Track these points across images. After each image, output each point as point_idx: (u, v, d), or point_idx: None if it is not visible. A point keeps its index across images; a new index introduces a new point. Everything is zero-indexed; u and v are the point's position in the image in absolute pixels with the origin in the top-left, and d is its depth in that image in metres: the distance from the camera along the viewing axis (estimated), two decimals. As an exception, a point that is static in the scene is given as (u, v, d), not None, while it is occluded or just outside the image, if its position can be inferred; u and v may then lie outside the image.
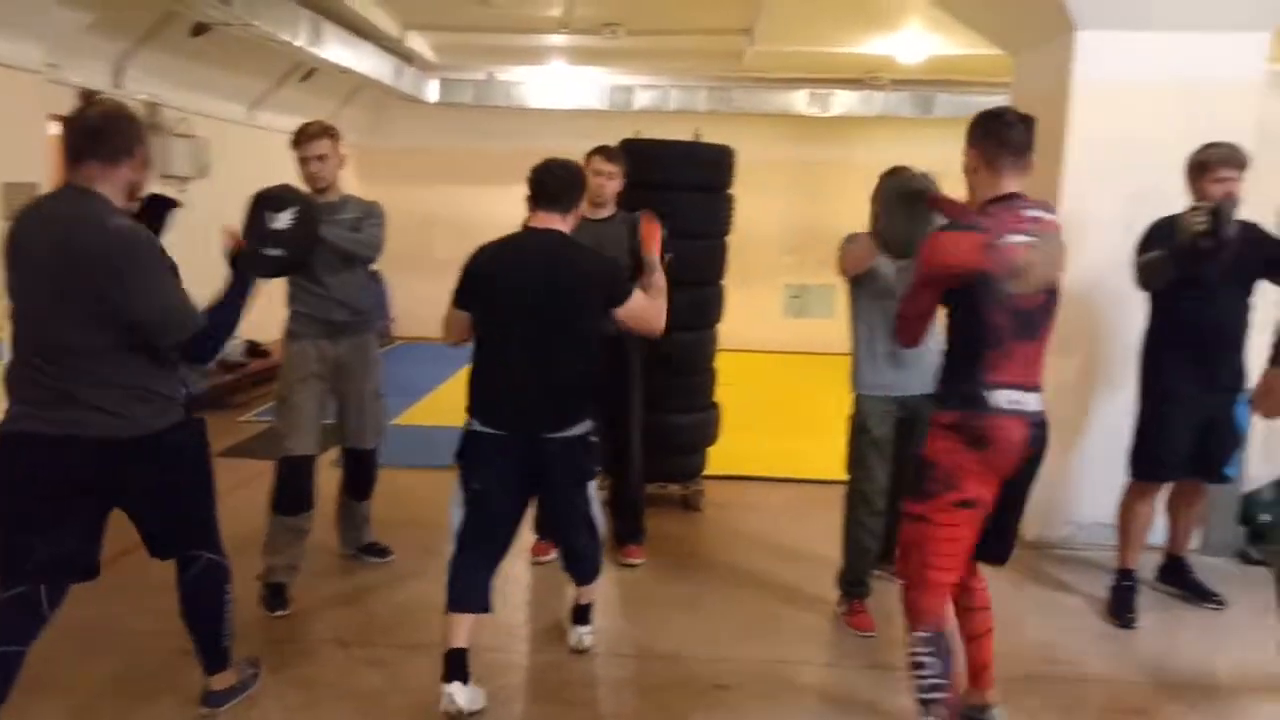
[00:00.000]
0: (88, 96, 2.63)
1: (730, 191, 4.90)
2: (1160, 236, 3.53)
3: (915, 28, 7.48)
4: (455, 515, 2.99)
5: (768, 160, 9.34)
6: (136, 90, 6.34)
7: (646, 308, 3.04)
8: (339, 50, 7.34)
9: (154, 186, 2.78)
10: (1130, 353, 3.83)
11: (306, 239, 3.14)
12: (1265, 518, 4.36)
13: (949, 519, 2.58)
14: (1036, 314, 2.54)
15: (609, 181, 3.93)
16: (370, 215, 3.72)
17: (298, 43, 6.63)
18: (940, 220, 2.91)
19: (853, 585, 3.66)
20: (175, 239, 2.71)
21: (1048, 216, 2.57)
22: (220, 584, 2.78)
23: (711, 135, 5.00)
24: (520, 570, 4.06)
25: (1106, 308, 4.16)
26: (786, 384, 8.77)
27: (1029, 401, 2.56)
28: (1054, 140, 4.22)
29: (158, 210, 2.72)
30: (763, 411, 7.18)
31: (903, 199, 3.13)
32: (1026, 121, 2.59)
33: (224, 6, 5.65)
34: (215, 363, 6.94)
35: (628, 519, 4.25)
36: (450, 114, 10.21)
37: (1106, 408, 4.25)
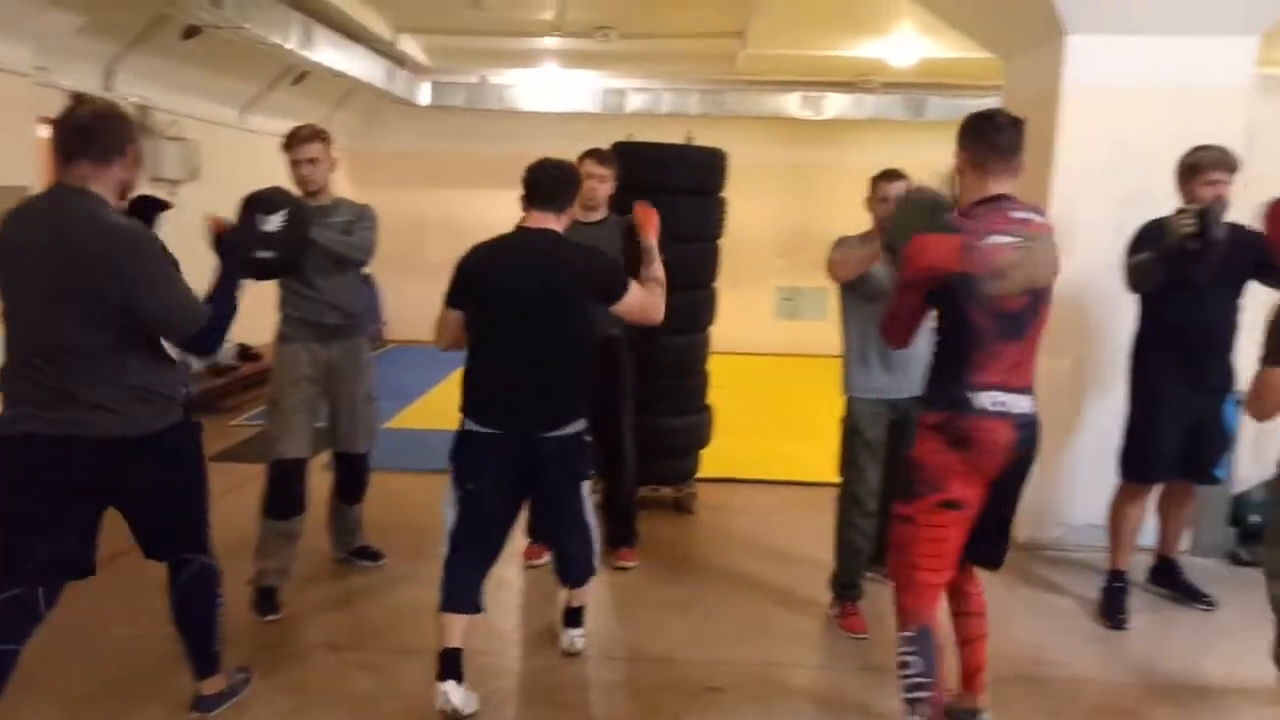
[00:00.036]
0: (78, 99, 2.61)
1: (722, 194, 4.91)
2: (1150, 239, 3.54)
3: (906, 31, 7.51)
4: (448, 516, 2.99)
5: (760, 163, 9.37)
6: (127, 93, 6.33)
7: (645, 300, 3.06)
8: (331, 53, 7.33)
9: (144, 189, 2.78)
10: (1120, 354, 3.85)
11: (297, 242, 3.14)
12: (1255, 519, 4.37)
13: (934, 520, 2.60)
14: (1022, 315, 2.53)
15: (601, 184, 3.93)
16: (362, 218, 3.72)
17: (289, 46, 6.63)
18: None
19: (845, 587, 3.66)
20: (166, 241, 2.70)
21: (1037, 219, 2.57)
22: (212, 588, 2.78)
23: (704, 138, 5.01)
24: (512, 574, 4.06)
25: (1097, 310, 4.18)
26: (779, 386, 8.78)
27: (1016, 403, 2.56)
28: (1044, 143, 4.24)
29: (148, 211, 2.72)
30: (755, 414, 7.18)
31: (919, 209, 3.12)
32: (1016, 124, 2.60)
33: (215, 9, 5.64)
34: (206, 364, 6.94)
35: (620, 522, 4.25)
36: (442, 117, 10.21)
37: (1097, 409, 4.27)
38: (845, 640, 3.55)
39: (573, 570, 3.21)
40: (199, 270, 2.66)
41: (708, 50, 8.42)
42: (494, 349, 2.95)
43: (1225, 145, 3.56)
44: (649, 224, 3.32)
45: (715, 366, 5.12)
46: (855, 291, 3.49)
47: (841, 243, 3.53)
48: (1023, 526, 4.30)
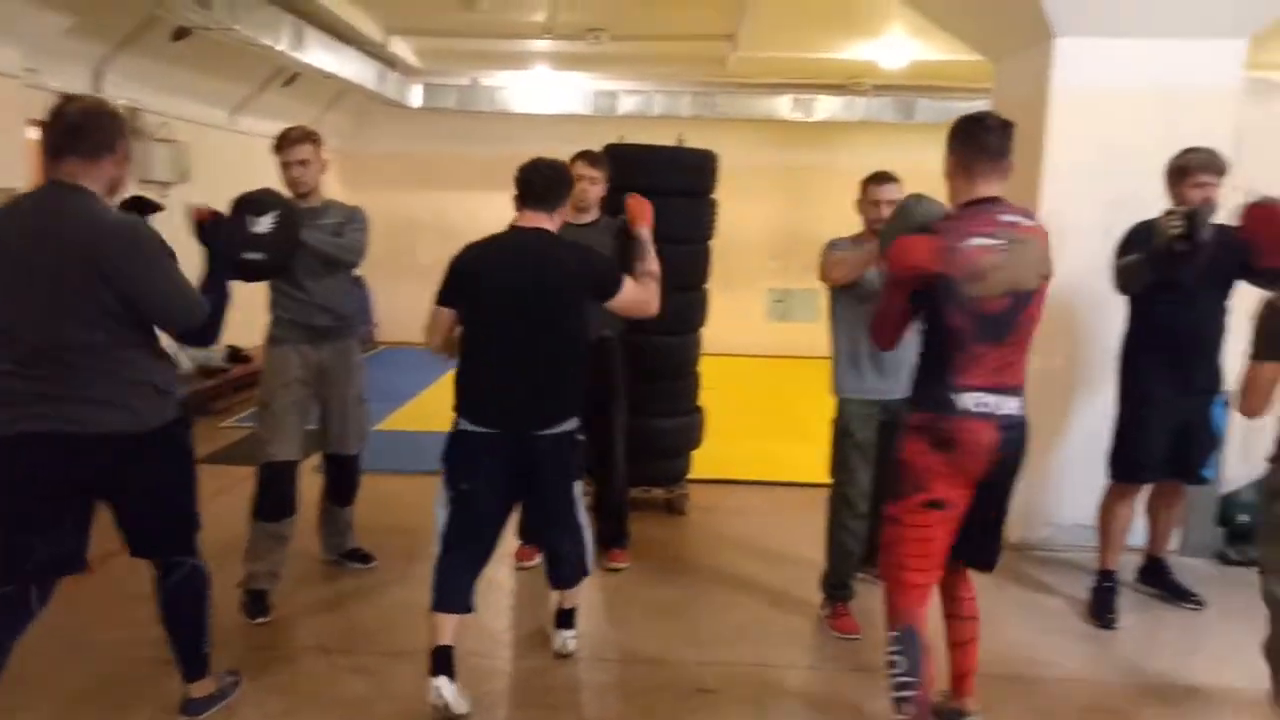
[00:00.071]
0: (67, 98, 2.61)
1: (713, 196, 4.92)
2: (1138, 240, 3.56)
3: (897, 34, 7.54)
4: (440, 516, 2.99)
5: (751, 165, 9.39)
6: (116, 95, 6.29)
7: (639, 294, 3.08)
8: (321, 55, 7.32)
9: (134, 191, 2.77)
10: (1109, 356, 3.87)
11: (288, 243, 3.13)
12: (1244, 519, 4.40)
13: (919, 520, 2.62)
14: (1004, 318, 2.53)
15: (592, 186, 3.94)
16: (353, 220, 3.71)
17: (279, 47, 6.61)
18: None
19: (836, 588, 3.67)
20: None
21: (1026, 222, 2.58)
22: (202, 590, 2.78)
23: (695, 140, 5.01)
24: (504, 576, 4.05)
25: (1086, 311, 4.20)
26: (770, 388, 8.79)
27: (1001, 405, 2.56)
28: (1033, 146, 4.26)
29: (138, 212, 2.71)
30: (747, 415, 7.20)
31: (913, 213, 3.12)
32: (1004, 126, 2.60)
33: (204, 11, 5.62)
34: (197, 365, 6.92)
35: (612, 523, 4.25)
36: (434, 119, 10.20)
37: (1086, 410, 4.29)
38: (837, 641, 3.56)
39: (565, 571, 3.21)
40: (189, 269, 2.65)
41: (699, 53, 8.43)
42: (488, 348, 2.96)
43: (1214, 148, 3.59)
44: (642, 215, 3.33)
45: (707, 368, 5.12)
46: (847, 293, 3.49)
47: (833, 245, 3.54)
48: (1013, 527, 4.29)
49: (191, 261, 2.67)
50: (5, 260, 2.43)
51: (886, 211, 3.34)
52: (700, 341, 5.01)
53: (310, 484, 3.95)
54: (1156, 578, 4.04)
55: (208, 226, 2.74)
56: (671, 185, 4.58)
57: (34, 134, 2.73)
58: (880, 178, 3.51)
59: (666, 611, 3.79)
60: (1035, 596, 4.02)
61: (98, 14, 5.80)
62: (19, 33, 5.29)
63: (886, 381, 3.45)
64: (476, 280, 2.95)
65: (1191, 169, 3.53)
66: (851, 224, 3.62)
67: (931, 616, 2.83)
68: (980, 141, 2.59)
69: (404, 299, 6.81)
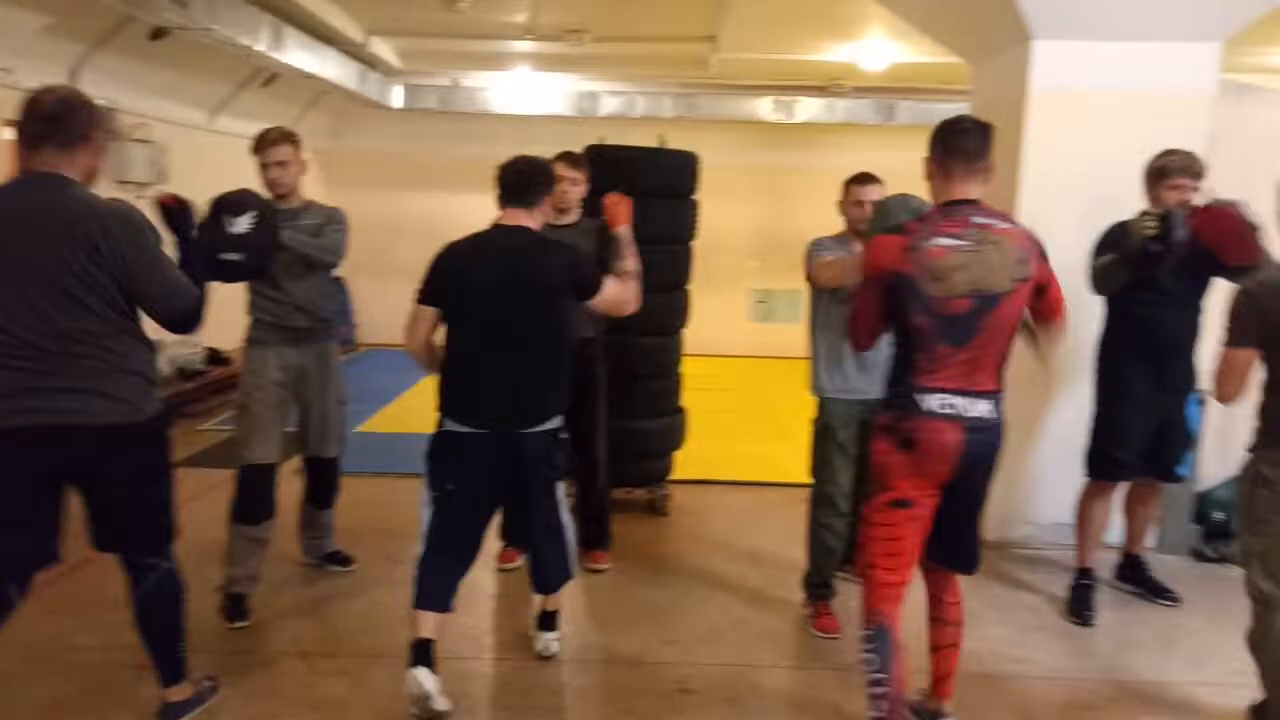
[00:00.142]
0: (45, 89, 2.60)
1: (695, 197, 4.93)
2: (1113, 241, 3.60)
3: (877, 36, 7.58)
4: (424, 516, 2.99)
5: (733, 166, 9.41)
6: (93, 95, 6.20)
7: (619, 293, 3.09)
8: (301, 55, 7.28)
9: (112, 192, 2.75)
10: (1086, 355, 3.90)
11: (266, 244, 3.11)
12: (1219, 516, 4.45)
13: (885, 519, 2.64)
14: (969, 319, 2.51)
15: (573, 187, 3.93)
16: (332, 221, 3.69)
17: (258, 47, 6.57)
18: None
19: (818, 587, 3.68)
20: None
21: (1001, 224, 2.56)
22: (177, 593, 2.75)
23: (677, 141, 5.02)
24: (485, 578, 4.04)
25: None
26: (752, 388, 8.81)
27: (969, 407, 2.55)
28: (1011, 147, 4.29)
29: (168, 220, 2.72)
30: (729, 416, 7.21)
31: (890, 213, 3.14)
32: (982, 128, 2.62)
33: (182, 10, 5.58)
34: (174, 370, 6.86)
35: (594, 524, 4.24)
36: (415, 119, 10.17)
37: (1064, 409, 4.33)
38: (818, 640, 3.57)
39: (549, 574, 3.20)
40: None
41: (680, 54, 8.44)
42: (471, 347, 2.95)
43: (1192, 151, 3.63)
44: (620, 214, 3.34)
45: (689, 369, 5.13)
46: (829, 293, 3.50)
47: (817, 245, 3.55)
48: (992, 525, 4.35)
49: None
50: None
51: (869, 211, 3.36)
52: (682, 342, 5.02)
53: (290, 487, 3.92)
54: (1134, 575, 4.08)
55: (174, 211, 2.72)
56: (653, 186, 4.58)
57: (9, 134, 2.70)
58: (863, 178, 3.53)
59: (648, 612, 3.79)
60: (1015, 594, 4.05)
61: (74, 14, 5.74)
62: (-7, 32, 5.24)
63: (868, 381, 3.46)
64: (459, 279, 2.94)
65: (1170, 171, 3.57)
66: (833, 225, 3.63)
67: (916, 618, 2.86)
68: (956, 144, 2.60)
69: (384, 300, 6.79)
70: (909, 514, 2.62)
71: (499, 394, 2.93)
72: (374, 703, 3.03)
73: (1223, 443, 4.37)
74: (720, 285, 9.11)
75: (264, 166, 3.60)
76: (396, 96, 9.81)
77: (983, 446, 2.60)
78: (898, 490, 2.61)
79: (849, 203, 3.54)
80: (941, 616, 2.85)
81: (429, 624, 2.92)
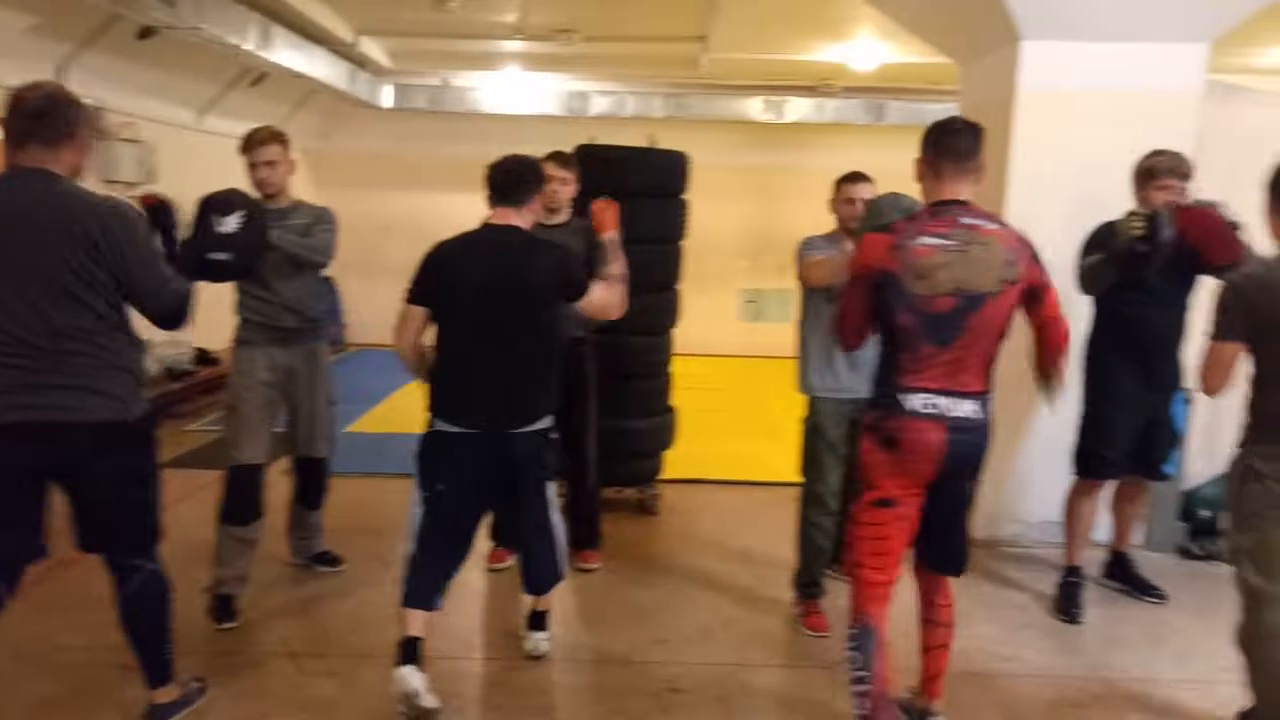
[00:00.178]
0: (30, 85, 2.60)
1: (685, 197, 4.93)
2: (1100, 241, 3.62)
3: (866, 36, 7.60)
4: (415, 517, 2.99)
5: (723, 166, 9.41)
6: (80, 94, 6.18)
7: (605, 297, 3.09)
8: (290, 55, 7.26)
9: (98, 191, 2.74)
10: (1074, 355, 3.91)
11: (254, 243, 3.10)
12: (1205, 514, 4.47)
13: (871, 518, 2.65)
14: (953, 318, 2.51)
15: (563, 187, 3.93)
16: (321, 220, 3.68)
17: (247, 47, 6.55)
18: None
19: (807, 586, 3.69)
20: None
21: (990, 225, 2.56)
22: (163, 594, 2.74)
23: (667, 141, 5.03)
24: (475, 577, 4.04)
25: (1051, 310, 4.24)
26: (742, 388, 8.82)
27: (953, 407, 2.55)
28: (999, 147, 4.31)
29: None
30: (719, 415, 7.22)
31: (881, 212, 3.15)
32: (972, 129, 2.62)
33: (170, 10, 5.56)
34: (162, 370, 6.83)
35: (584, 524, 4.24)
36: (405, 119, 10.15)
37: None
38: (807, 638, 3.58)
39: (539, 575, 3.20)
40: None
41: (670, 54, 8.45)
42: (462, 345, 2.95)
43: (1180, 152, 3.65)
44: (606, 220, 3.34)
45: (679, 368, 5.14)
46: (820, 292, 3.51)
47: (808, 244, 3.56)
48: (981, 523, 4.37)
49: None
50: None
51: (860, 209, 3.38)
52: (672, 342, 5.02)
53: (279, 487, 3.91)
54: (1121, 572, 4.10)
55: (157, 210, 2.72)
56: (643, 186, 4.59)
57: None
58: (854, 176, 3.55)
59: (639, 612, 3.80)
60: (1003, 592, 4.06)
61: (60, 13, 5.71)
62: (-22, 31, 5.21)
63: (859, 380, 3.47)
64: (450, 277, 2.94)
65: (1158, 172, 3.59)
66: (823, 225, 3.64)
67: (907, 617, 2.87)
68: (946, 144, 2.61)
69: (374, 300, 6.78)
70: (894, 513, 2.62)
71: (489, 394, 2.92)
72: (363, 703, 3.02)
73: (1209, 441, 4.40)
74: (710, 285, 9.13)
75: (252, 166, 3.59)
76: (386, 96, 9.79)
77: (967, 446, 2.60)
78: (882, 489, 2.62)
79: (840, 201, 3.55)
80: (933, 618, 2.86)
81: (417, 622, 2.92)
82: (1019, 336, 2.72)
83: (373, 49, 8.70)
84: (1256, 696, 2.71)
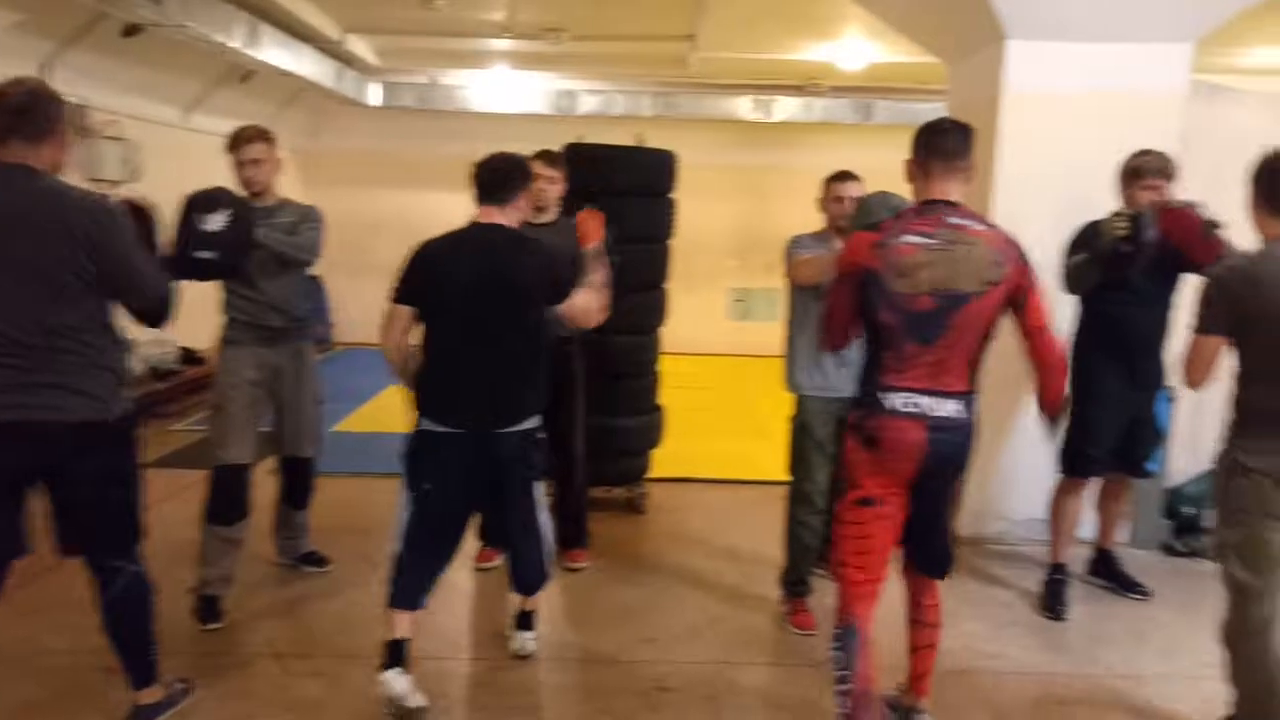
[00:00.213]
0: (12, 81, 2.59)
1: (673, 196, 4.93)
2: (1085, 241, 3.64)
3: (854, 36, 7.61)
4: (402, 517, 2.98)
5: (711, 165, 9.43)
6: (65, 92, 6.13)
7: (586, 304, 3.08)
8: (277, 53, 7.22)
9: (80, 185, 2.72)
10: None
11: (240, 242, 3.09)
12: (1189, 511, 4.51)
13: (854, 517, 2.65)
14: (935, 317, 2.50)
15: (551, 186, 3.93)
16: (307, 219, 3.67)
17: (234, 44, 6.52)
18: None
19: (795, 584, 3.70)
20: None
21: (976, 226, 2.56)
22: (145, 596, 2.73)
23: (655, 140, 5.04)
24: (463, 577, 4.03)
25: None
26: (730, 386, 8.84)
27: (935, 407, 2.55)
28: (986, 146, 4.31)
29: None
30: (707, 414, 7.22)
31: (870, 210, 3.15)
32: (961, 129, 2.62)
33: (156, 7, 5.52)
34: (147, 369, 6.79)
35: (572, 523, 4.24)
36: (393, 118, 10.12)
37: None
38: (795, 637, 3.59)
39: (527, 575, 3.19)
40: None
41: (659, 53, 8.45)
42: (449, 344, 2.94)
43: (1166, 152, 3.67)
44: (591, 231, 3.34)
45: (667, 367, 5.14)
46: (808, 291, 3.51)
47: (796, 242, 3.56)
48: (966, 521, 4.39)
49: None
50: None
51: (849, 208, 3.38)
52: (660, 341, 5.02)
53: (265, 487, 3.89)
54: (1105, 569, 4.13)
55: (139, 213, 2.71)
56: (631, 185, 4.59)
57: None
58: (843, 175, 3.56)
59: (626, 611, 3.80)
60: (989, 590, 4.08)
61: (45, 10, 5.67)
62: (-39, 27, 5.16)
63: (846, 379, 3.47)
64: (436, 276, 2.93)
65: (1145, 172, 3.61)
66: (811, 224, 3.65)
67: (894, 616, 2.88)
68: (935, 144, 2.61)
69: (361, 299, 6.75)
70: (876, 512, 2.62)
71: (476, 393, 2.92)
72: (349, 703, 3.02)
73: (1192, 439, 4.43)
74: (698, 284, 9.12)
75: (239, 164, 3.58)
76: (374, 94, 9.76)
77: (949, 446, 2.59)
78: (864, 488, 2.62)
79: (829, 199, 3.56)
80: (919, 618, 2.86)
81: (404, 624, 2.91)
82: (1007, 337, 2.72)
83: (360, 47, 8.67)
84: (1240, 691, 2.72)
